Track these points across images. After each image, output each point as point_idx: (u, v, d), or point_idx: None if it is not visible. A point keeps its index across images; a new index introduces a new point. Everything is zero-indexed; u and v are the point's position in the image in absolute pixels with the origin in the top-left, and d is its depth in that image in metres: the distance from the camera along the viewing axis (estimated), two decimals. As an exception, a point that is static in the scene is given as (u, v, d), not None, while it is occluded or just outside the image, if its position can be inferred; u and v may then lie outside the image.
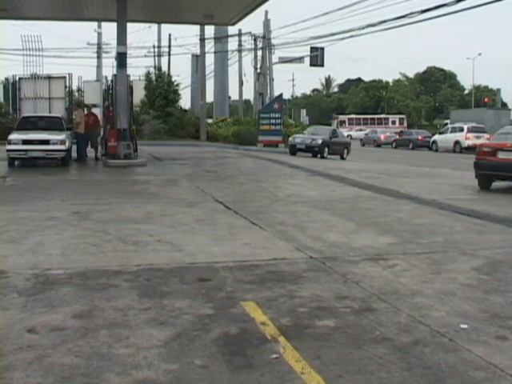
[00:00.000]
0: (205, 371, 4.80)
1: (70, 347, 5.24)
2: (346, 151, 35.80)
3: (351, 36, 37.32)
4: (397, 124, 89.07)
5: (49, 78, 42.08)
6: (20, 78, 43.08)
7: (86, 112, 26.72)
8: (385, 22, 31.83)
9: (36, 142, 22.66)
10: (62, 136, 23.22)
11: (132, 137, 26.06)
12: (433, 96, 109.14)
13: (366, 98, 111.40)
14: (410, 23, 30.38)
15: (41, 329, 5.69)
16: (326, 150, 33.92)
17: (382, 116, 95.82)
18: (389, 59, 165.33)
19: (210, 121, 52.21)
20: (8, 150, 22.74)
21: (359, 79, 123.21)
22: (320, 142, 33.74)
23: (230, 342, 5.39)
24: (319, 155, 33.87)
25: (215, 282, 7.40)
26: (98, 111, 46.81)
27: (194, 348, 5.25)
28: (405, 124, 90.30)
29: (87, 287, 7.11)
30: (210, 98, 52.35)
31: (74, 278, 7.50)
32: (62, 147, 22.86)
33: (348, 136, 57.82)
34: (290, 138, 35.93)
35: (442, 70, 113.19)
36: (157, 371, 4.79)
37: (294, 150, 34.70)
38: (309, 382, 4.61)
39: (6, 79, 50.94)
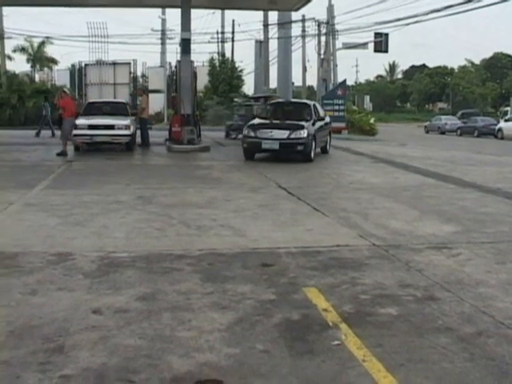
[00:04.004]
0: (266, 356, 4.83)
1: (134, 329, 5.33)
2: (329, 138, 24.51)
3: (416, 21, 36.80)
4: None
5: (114, 64, 42.73)
6: (86, 65, 43.82)
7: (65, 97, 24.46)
8: (451, 6, 31.31)
9: (101, 127, 23.06)
10: (126, 121, 23.55)
11: (195, 122, 26.24)
12: (499, 83, 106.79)
13: (431, 85, 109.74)
14: (476, 8, 29.82)
15: (105, 310, 5.80)
16: (314, 145, 20.55)
17: None
18: (454, 45, 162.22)
19: (273, 106, 52.10)
20: (74, 135, 23.16)
21: (424, 65, 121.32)
22: (305, 134, 19.92)
23: (292, 328, 5.40)
24: (303, 157, 20.28)
25: (278, 267, 7.42)
26: (161, 97, 47.39)
27: (255, 333, 5.28)
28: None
29: (151, 270, 7.20)
30: (273, 83, 52.16)
31: (137, 261, 7.61)
32: (127, 132, 23.21)
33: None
34: (245, 130, 21.00)
35: (509, 56, 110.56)
36: (218, 355, 4.83)
37: (251, 151, 20.87)
38: (370, 370, 4.59)
39: (73, 65, 51.79)
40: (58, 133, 27.14)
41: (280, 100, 30.12)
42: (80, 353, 4.83)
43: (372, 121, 59.56)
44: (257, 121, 22.07)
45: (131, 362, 4.68)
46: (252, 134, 20.39)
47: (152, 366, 4.61)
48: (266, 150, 20.24)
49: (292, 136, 19.80)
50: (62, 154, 21.57)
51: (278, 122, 21.30)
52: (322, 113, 23.89)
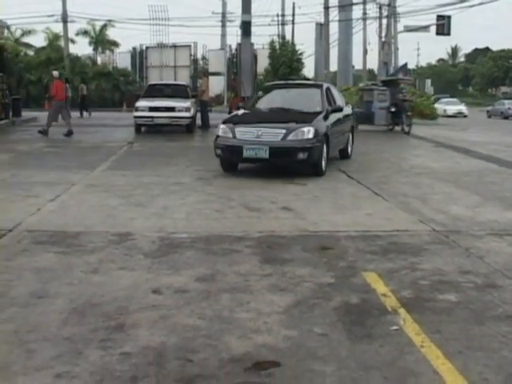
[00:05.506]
0: (324, 339, 4.83)
1: (193, 309, 5.38)
2: (350, 137, 17.05)
3: (480, 3, 36.18)
4: None
5: (174, 46, 42.90)
6: (147, 47, 44.15)
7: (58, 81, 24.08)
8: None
9: (162, 109, 23.28)
10: (187, 103, 23.72)
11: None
12: None
13: (494, 69, 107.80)
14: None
15: (165, 290, 5.87)
16: (325, 150, 13.64)
17: None
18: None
19: (333, 90, 51.82)
20: (135, 117, 23.52)
21: (487, 49, 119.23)
22: (311, 134, 13.05)
23: (350, 312, 5.39)
24: (308, 169, 13.47)
25: (337, 250, 7.40)
26: (221, 79, 47.55)
27: (313, 316, 5.28)
28: None
29: (210, 251, 7.26)
30: (333, 66, 51.89)
31: (197, 242, 7.68)
32: (187, 114, 23.40)
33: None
34: (220, 129, 13.74)
35: None
36: (276, 337, 4.84)
37: (228, 161, 13.87)
38: (428, 356, 4.55)
39: (134, 48, 52.32)
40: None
41: (278, 82, 22.84)
42: (140, 331, 4.90)
43: (463, 106, 57.63)
44: (240, 113, 15.56)
45: (190, 342, 4.73)
46: (229, 133, 13.39)
47: (210, 347, 4.65)
48: (248, 159, 13.37)
49: (290, 137, 12.94)
50: (44, 132, 22.21)
51: (270, 114, 14.98)
52: (339, 100, 16.56)
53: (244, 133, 13.20)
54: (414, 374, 4.28)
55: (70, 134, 22.20)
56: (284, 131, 12.97)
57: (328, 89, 16.15)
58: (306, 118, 13.71)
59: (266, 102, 15.83)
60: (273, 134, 13.03)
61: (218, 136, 13.69)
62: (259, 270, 6.59)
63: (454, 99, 64.83)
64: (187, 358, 4.47)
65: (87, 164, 14.68)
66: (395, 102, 26.15)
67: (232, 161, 13.88)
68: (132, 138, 22.19)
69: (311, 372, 4.30)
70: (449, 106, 55.55)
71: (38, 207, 9.57)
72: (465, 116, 54.66)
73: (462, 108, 56.90)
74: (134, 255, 7.07)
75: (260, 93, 17.52)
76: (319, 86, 16.27)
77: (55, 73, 24.50)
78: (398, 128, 26.28)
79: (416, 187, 12.13)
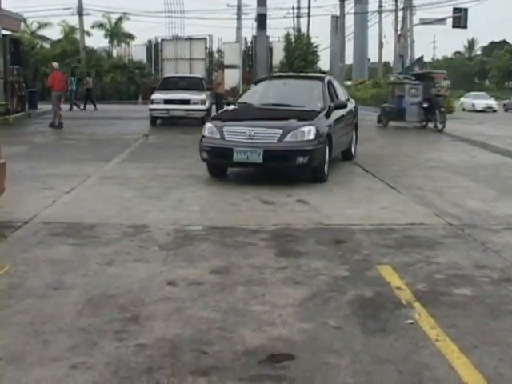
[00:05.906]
0: (339, 332, 4.82)
1: (208, 301, 5.39)
2: (354, 136, 15.42)
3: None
4: None
5: (189, 39, 43.00)
6: (162, 40, 44.27)
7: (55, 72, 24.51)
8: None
9: (177, 102, 23.32)
10: (202, 96, 23.75)
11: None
12: None
13: (511, 62, 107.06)
14: None
15: (180, 282, 5.89)
16: (328, 153, 11.88)
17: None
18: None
19: (348, 83, 51.78)
20: (151, 109, 23.60)
21: (504, 41, 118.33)
22: (312, 135, 11.33)
23: (365, 305, 5.39)
24: (309, 175, 11.74)
25: (351, 244, 7.40)
26: (237, 72, 47.55)
27: (328, 309, 5.28)
28: None
29: (225, 244, 7.28)
30: (349, 59, 51.92)
31: (212, 234, 7.70)
32: (203, 107, 23.42)
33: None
34: (206, 128, 11.89)
35: None
36: (291, 330, 4.85)
37: (216, 166, 12.07)
38: (443, 350, 4.54)
39: (149, 41, 52.37)
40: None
41: (275, 74, 20.19)
42: (155, 323, 4.92)
43: (492, 100, 56.25)
44: (230, 109, 13.68)
45: (204, 334, 4.74)
46: (216, 134, 11.63)
47: (225, 339, 4.66)
48: (239, 163, 11.67)
49: (288, 139, 11.28)
50: (59, 126, 22.53)
51: (264, 111, 12.97)
52: (342, 95, 14.89)
53: (234, 133, 11.49)
54: (429, 368, 4.26)
55: (52, 125, 22.57)
56: (281, 131, 11.31)
57: (330, 82, 14.34)
58: (305, 115, 12.03)
59: (260, 97, 13.81)
60: (268, 134, 11.41)
61: (203, 136, 11.84)
62: (274, 262, 6.59)
63: (483, 93, 60.80)
64: (202, 350, 4.48)
65: (102, 156, 14.73)
66: (428, 97, 24.39)
67: (220, 165, 12.18)
68: (147, 130, 22.26)
69: (326, 365, 4.29)
70: (477, 100, 53.64)
71: (53, 199, 9.63)
72: (494, 111, 50.72)
73: (492, 102, 53.34)
74: (148, 247, 7.10)
75: (253, 86, 15.48)
76: (320, 79, 14.49)
77: (55, 64, 24.84)
78: (430, 125, 24.75)
79: (431, 180, 12.09)
